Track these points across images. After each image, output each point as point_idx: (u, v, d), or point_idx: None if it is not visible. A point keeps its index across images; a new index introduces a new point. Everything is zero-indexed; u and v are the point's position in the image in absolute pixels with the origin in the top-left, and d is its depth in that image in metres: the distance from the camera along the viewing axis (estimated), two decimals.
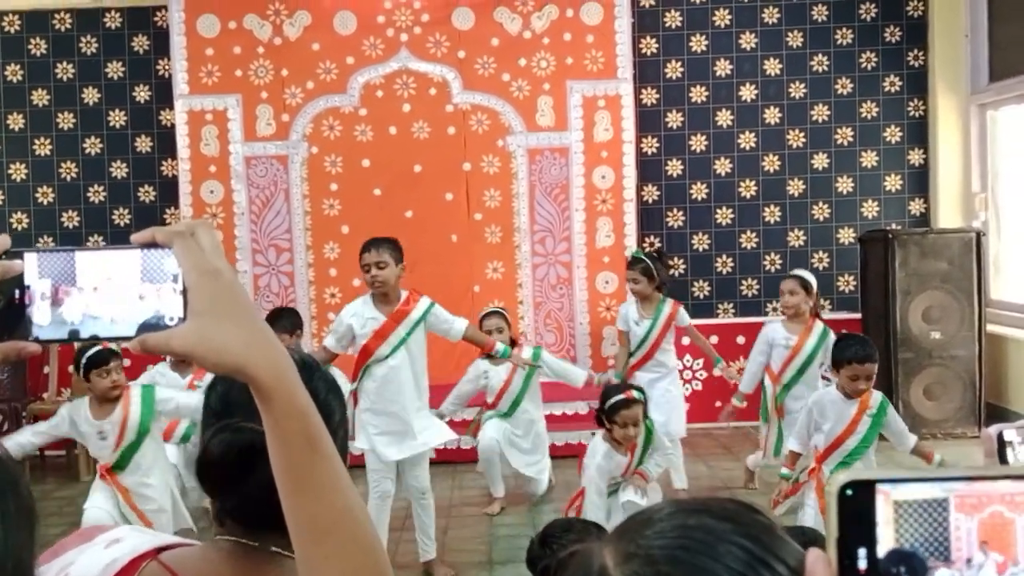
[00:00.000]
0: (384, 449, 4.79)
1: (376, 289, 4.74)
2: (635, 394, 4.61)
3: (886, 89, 7.90)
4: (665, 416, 5.65)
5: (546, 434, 6.08)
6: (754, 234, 7.98)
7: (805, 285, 5.67)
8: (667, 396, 5.88)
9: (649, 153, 7.94)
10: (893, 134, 7.94)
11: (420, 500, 4.92)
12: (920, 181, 7.96)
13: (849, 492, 0.58)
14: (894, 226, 7.71)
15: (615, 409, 4.54)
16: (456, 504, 5.95)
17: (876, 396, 4.51)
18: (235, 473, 1.24)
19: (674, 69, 7.89)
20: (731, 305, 7.91)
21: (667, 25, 7.87)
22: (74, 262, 0.91)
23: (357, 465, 6.12)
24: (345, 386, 5.29)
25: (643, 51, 7.84)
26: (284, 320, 5.74)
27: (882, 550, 0.57)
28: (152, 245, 0.89)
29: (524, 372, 5.82)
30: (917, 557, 0.57)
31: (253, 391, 0.88)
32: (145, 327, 0.89)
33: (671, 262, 7.98)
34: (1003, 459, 1.54)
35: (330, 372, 1.45)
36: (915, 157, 7.95)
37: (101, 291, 0.90)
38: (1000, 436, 1.55)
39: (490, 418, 5.91)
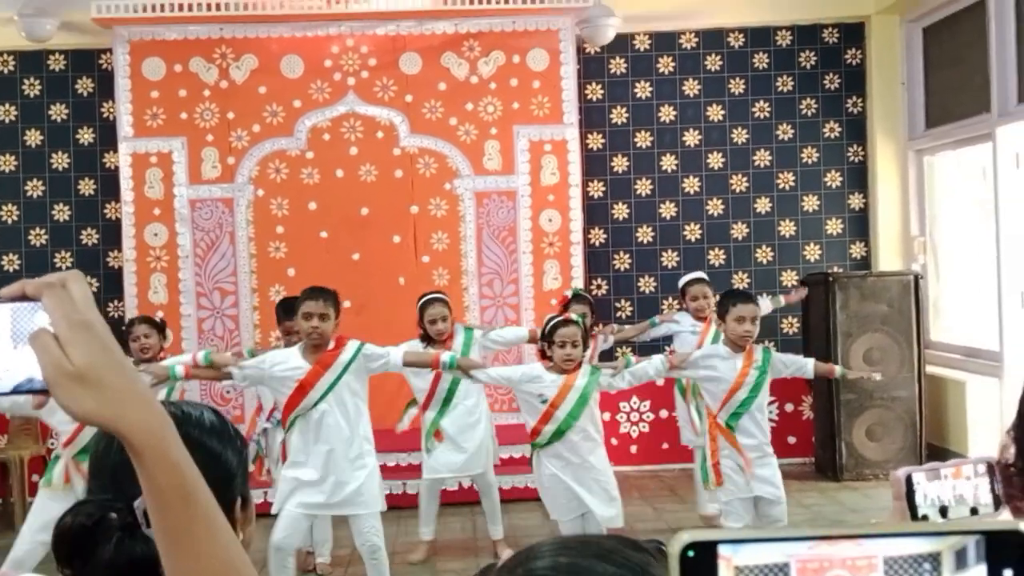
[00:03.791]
0: (307, 499, 4.60)
1: (312, 340, 4.65)
2: (574, 316, 4.93)
3: (826, 135, 8.06)
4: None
5: (487, 418, 5.78)
6: None
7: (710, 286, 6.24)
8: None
9: (595, 197, 8.01)
10: (834, 179, 8.09)
11: (371, 559, 4.75)
12: (861, 225, 8.11)
13: (691, 553, 0.56)
14: (836, 269, 7.83)
15: (554, 328, 4.78)
16: (400, 551, 5.87)
17: (759, 350, 4.93)
18: (83, 550, 1.23)
19: (619, 114, 8.00)
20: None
21: (612, 71, 7.98)
22: None
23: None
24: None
25: (589, 97, 7.94)
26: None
27: None
28: (22, 298, 0.88)
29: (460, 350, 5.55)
30: None
31: (125, 446, 0.88)
32: (18, 390, 0.89)
33: (618, 304, 8.05)
34: (911, 501, 1.56)
35: (210, 417, 1.43)
36: (855, 201, 8.10)
37: None
38: (909, 479, 1.58)
39: (431, 434, 5.68)
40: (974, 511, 1.59)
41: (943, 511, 1.58)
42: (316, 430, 4.63)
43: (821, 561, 0.56)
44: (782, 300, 6.94)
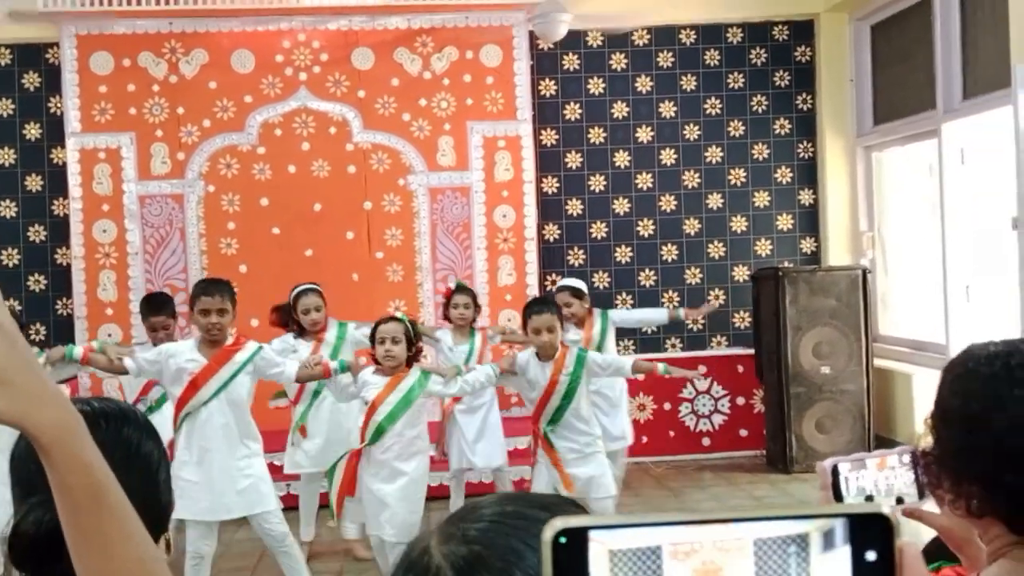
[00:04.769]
0: (201, 505, 4.45)
1: (211, 336, 4.56)
2: (397, 314, 4.94)
3: (776, 132, 8.15)
4: (480, 447, 5.80)
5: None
6: (652, 272, 8.11)
7: (578, 294, 6.07)
8: (485, 425, 5.90)
9: (549, 193, 8.03)
10: (784, 175, 8.18)
11: (280, 548, 4.66)
12: (811, 220, 8.21)
13: (562, 540, 0.56)
14: (787, 264, 7.91)
15: (376, 325, 4.81)
16: (340, 550, 5.85)
17: (573, 354, 4.97)
18: (51, 553, 1.22)
19: (572, 111, 8.03)
20: (631, 341, 8.01)
21: (565, 68, 8.01)
22: None
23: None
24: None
25: (542, 93, 7.96)
26: (168, 308, 5.77)
27: None
28: None
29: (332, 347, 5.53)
30: None
31: (35, 445, 0.87)
32: None
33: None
34: (837, 492, 1.59)
35: (143, 416, 1.43)
36: (805, 197, 8.20)
37: None
38: (835, 469, 1.61)
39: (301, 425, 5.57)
40: (900, 500, 1.62)
41: (868, 500, 1.61)
42: (206, 429, 4.51)
43: (692, 543, 0.57)
44: (682, 314, 6.82)
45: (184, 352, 4.60)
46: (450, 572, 0.78)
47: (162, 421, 4.75)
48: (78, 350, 4.66)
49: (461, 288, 6.15)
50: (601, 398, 5.79)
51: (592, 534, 0.57)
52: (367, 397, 4.70)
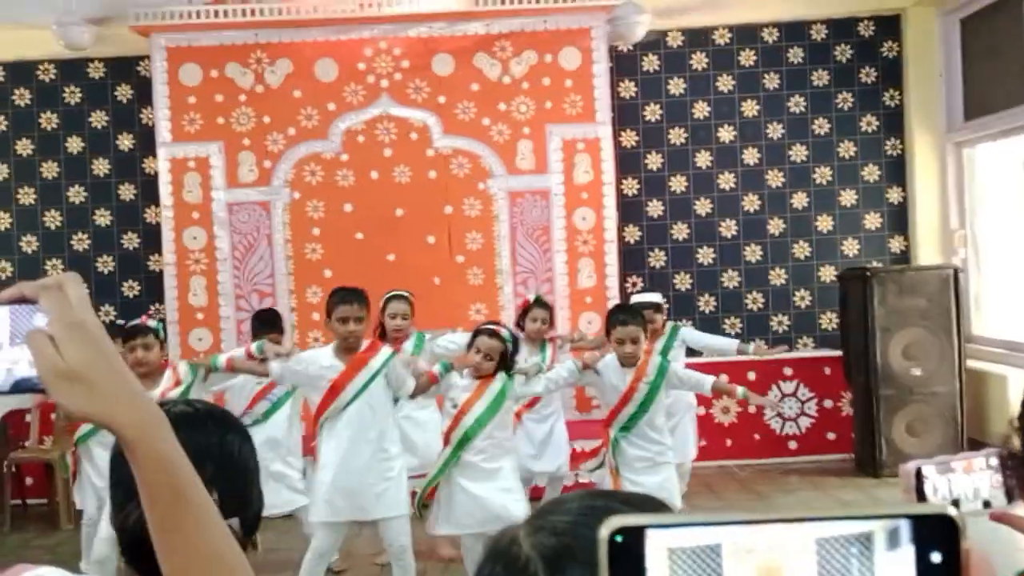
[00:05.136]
0: (337, 507, 4.62)
1: (348, 343, 4.68)
2: (502, 332, 4.84)
3: (863, 129, 7.98)
4: (547, 453, 5.80)
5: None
6: (736, 273, 8.02)
7: (659, 308, 6.22)
8: (552, 433, 5.90)
9: (630, 194, 8.00)
10: (872, 173, 8.01)
11: (398, 561, 4.74)
12: (899, 219, 8.02)
13: (619, 539, 0.56)
14: (875, 264, 7.74)
15: (476, 335, 4.83)
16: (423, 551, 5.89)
17: (655, 363, 4.95)
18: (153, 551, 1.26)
19: (652, 112, 7.98)
20: None
21: (644, 69, 7.96)
22: None
23: None
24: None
25: (621, 94, 7.92)
26: (280, 324, 6.09)
27: None
28: (21, 301, 0.91)
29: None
30: None
31: (119, 441, 0.91)
32: (19, 388, 0.94)
33: None
34: (921, 495, 1.55)
35: (242, 423, 1.48)
36: (894, 195, 8.01)
37: None
38: (919, 472, 1.57)
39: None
40: (987, 504, 1.58)
41: (955, 504, 1.57)
42: (346, 433, 4.63)
43: (753, 542, 0.56)
44: (751, 349, 6.46)
45: (322, 359, 4.73)
46: (540, 562, 0.79)
47: (266, 431, 5.36)
48: (222, 359, 4.91)
49: (539, 302, 6.17)
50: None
51: (650, 533, 0.56)
52: (455, 400, 4.74)
